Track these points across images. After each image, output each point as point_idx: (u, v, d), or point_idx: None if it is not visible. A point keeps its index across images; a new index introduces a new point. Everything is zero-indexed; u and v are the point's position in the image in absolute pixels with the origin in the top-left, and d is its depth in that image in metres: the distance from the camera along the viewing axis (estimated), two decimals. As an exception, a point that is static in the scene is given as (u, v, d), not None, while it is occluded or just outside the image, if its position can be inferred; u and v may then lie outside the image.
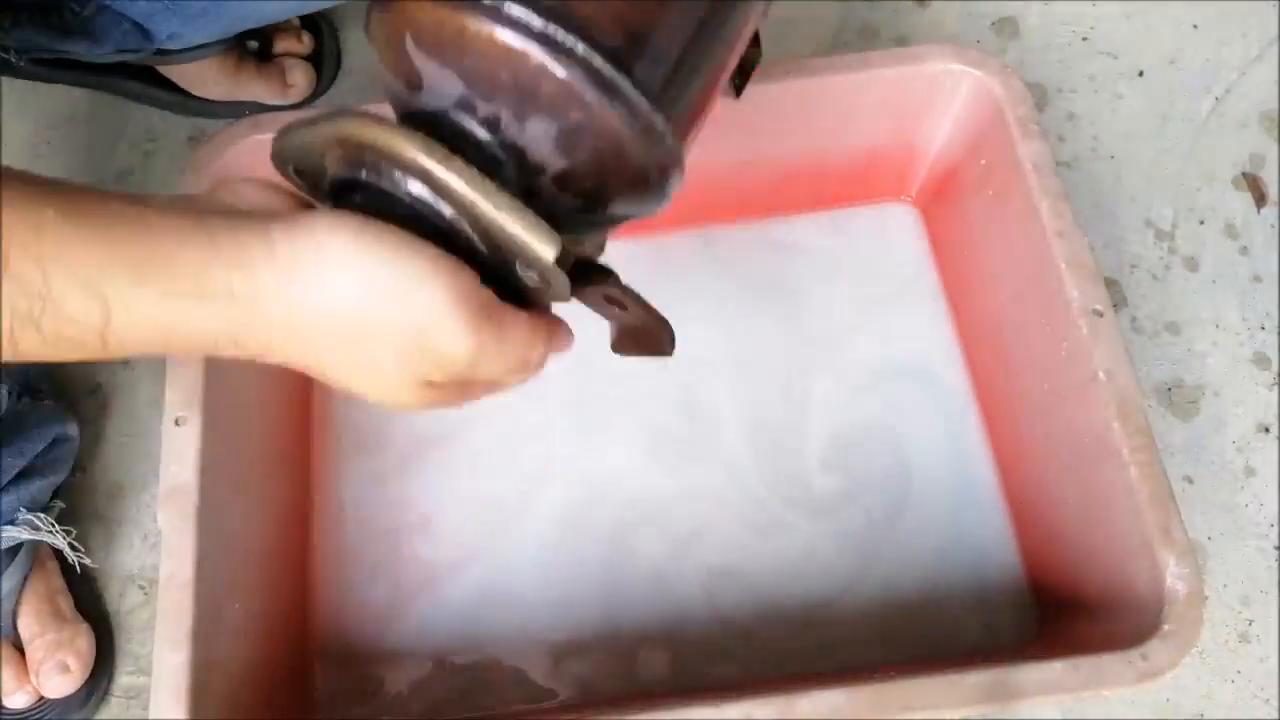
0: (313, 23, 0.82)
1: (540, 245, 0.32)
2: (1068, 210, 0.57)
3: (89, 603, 0.64)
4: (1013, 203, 0.60)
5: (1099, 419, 0.54)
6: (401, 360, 0.32)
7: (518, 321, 0.34)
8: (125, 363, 0.72)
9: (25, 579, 0.61)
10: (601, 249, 0.39)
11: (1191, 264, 0.76)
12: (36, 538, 0.61)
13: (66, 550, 0.62)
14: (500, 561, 0.63)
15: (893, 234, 0.73)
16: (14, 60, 0.68)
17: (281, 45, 0.80)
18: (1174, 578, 0.49)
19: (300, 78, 0.79)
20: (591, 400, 0.68)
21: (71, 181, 0.30)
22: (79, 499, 0.68)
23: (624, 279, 0.39)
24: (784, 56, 0.76)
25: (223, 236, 0.29)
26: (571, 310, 0.39)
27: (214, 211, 0.31)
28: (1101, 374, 0.53)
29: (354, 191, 0.34)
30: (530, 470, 0.66)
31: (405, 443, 0.67)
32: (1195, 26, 0.84)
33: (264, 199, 0.33)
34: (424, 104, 0.34)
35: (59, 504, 0.64)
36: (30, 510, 0.61)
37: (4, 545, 0.59)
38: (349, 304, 0.30)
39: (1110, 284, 0.74)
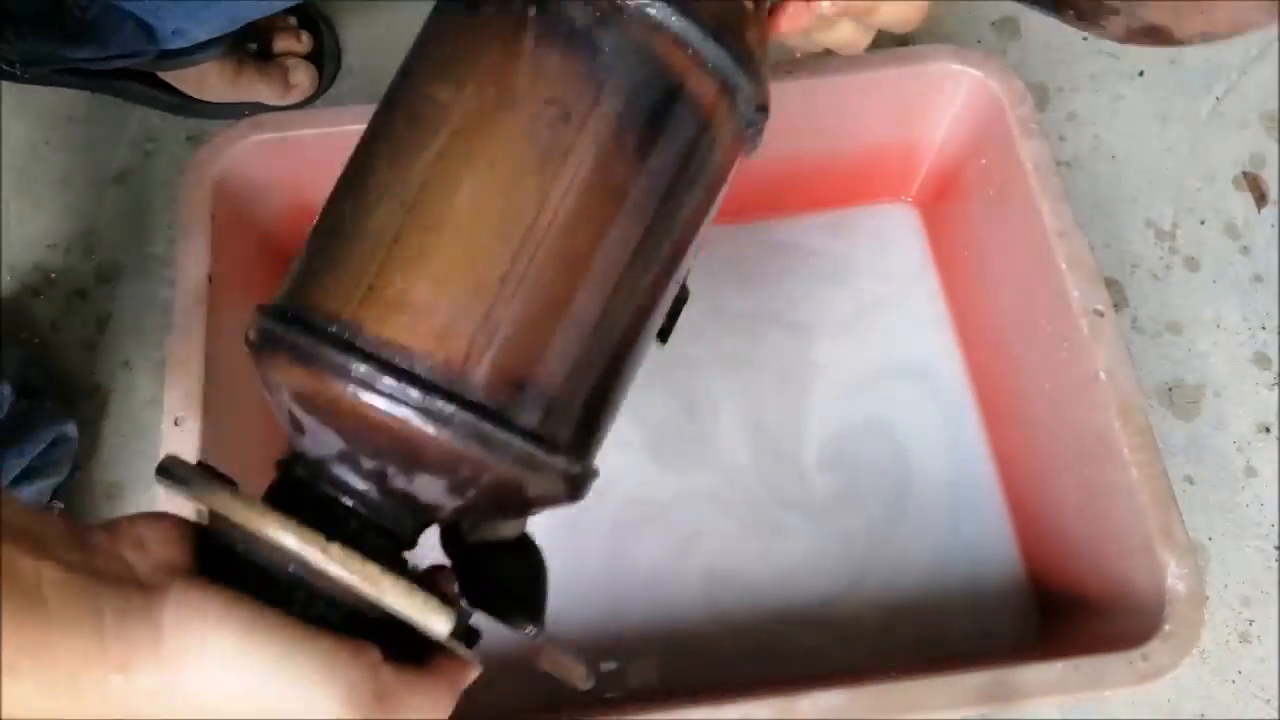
0: (312, 22, 0.82)
1: (433, 623, 0.31)
2: (1068, 210, 0.57)
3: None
4: (1013, 203, 0.60)
5: (1099, 419, 0.54)
6: None
7: (417, 693, 0.33)
8: (125, 362, 0.72)
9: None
10: (521, 527, 0.39)
11: (1192, 264, 0.76)
12: None
13: (66, 550, 0.62)
14: (500, 562, 0.63)
15: (893, 234, 0.73)
16: (18, 73, 0.67)
17: (281, 45, 0.80)
18: (1174, 578, 0.49)
19: (302, 77, 0.79)
20: (591, 400, 0.68)
21: None
22: (79, 499, 0.68)
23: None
24: (784, 56, 0.76)
25: (110, 631, 0.28)
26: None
27: (110, 582, 0.29)
28: (1102, 374, 0.53)
29: (240, 559, 0.32)
30: (530, 470, 0.66)
31: (405, 443, 0.67)
32: (1196, 26, 0.84)
33: (165, 553, 0.31)
34: (307, 448, 0.33)
35: (58, 504, 0.64)
36: (29, 511, 0.61)
37: (3, 546, 0.59)
38: (228, 703, 0.29)
39: (1111, 284, 0.74)
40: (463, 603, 0.33)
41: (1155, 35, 0.39)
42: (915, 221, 0.73)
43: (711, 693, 0.52)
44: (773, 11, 0.39)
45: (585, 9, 0.32)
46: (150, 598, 0.29)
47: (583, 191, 0.32)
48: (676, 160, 0.34)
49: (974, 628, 0.62)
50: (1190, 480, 0.69)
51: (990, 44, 0.83)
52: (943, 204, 0.71)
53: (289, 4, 0.71)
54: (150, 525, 0.32)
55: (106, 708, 0.28)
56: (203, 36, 0.69)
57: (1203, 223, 0.77)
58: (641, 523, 0.64)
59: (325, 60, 0.81)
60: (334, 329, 0.31)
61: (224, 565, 0.31)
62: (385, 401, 0.30)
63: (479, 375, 0.31)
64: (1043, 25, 0.84)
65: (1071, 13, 0.39)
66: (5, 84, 0.76)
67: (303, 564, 0.31)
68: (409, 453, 0.32)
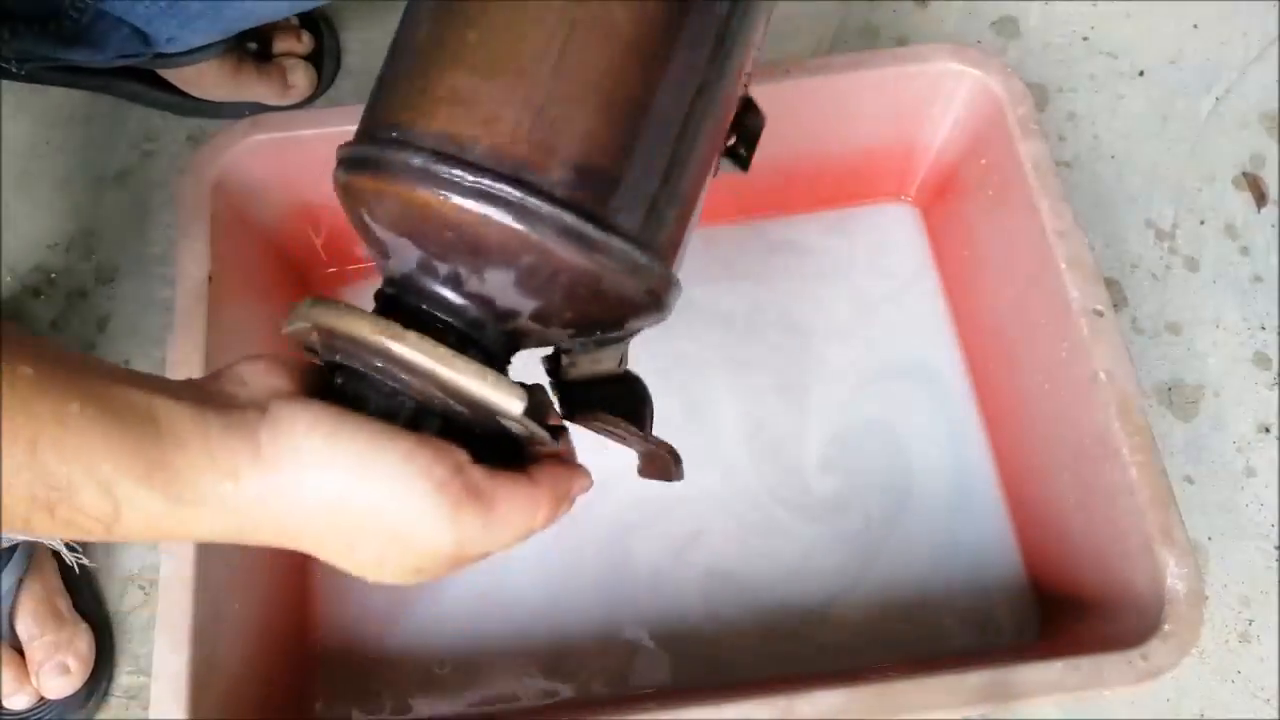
0: (312, 22, 0.82)
1: (506, 402, 0.32)
2: (1068, 210, 0.57)
3: (88, 603, 0.64)
4: (1013, 202, 0.60)
5: (1099, 419, 0.54)
6: (386, 555, 0.33)
7: (512, 494, 0.34)
8: (125, 362, 0.72)
9: (21, 580, 0.61)
10: (621, 360, 0.39)
11: (1192, 264, 0.76)
12: (33, 538, 0.60)
13: (64, 550, 0.62)
14: (499, 562, 0.63)
15: (893, 234, 0.73)
16: (14, 69, 0.67)
17: (281, 45, 0.80)
18: (1174, 578, 0.49)
19: (301, 78, 0.79)
20: (591, 400, 0.68)
21: (89, 359, 0.32)
22: (79, 499, 0.67)
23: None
24: (784, 56, 0.76)
25: (216, 443, 0.31)
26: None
27: (216, 405, 0.32)
28: (1102, 374, 0.53)
29: (340, 373, 0.35)
30: (530, 470, 0.66)
31: (405, 443, 0.67)
32: (1195, 26, 0.84)
33: (266, 381, 0.34)
34: (394, 270, 0.35)
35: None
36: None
37: (0, 545, 0.59)
38: (328, 505, 0.32)
39: (1110, 284, 0.74)
40: (540, 390, 0.34)
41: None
42: (915, 221, 0.73)
43: (711, 693, 0.52)
44: None
45: None
46: (248, 415, 0.32)
47: None
48: None
49: (974, 628, 0.62)
50: (1190, 480, 0.69)
51: (990, 44, 0.83)
52: (943, 204, 0.71)
53: (285, 14, 0.71)
54: (249, 364, 0.34)
55: (226, 515, 0.31)
56: (198, 43, 0.70)
57: (1203, 223, 0.77)
58: (641, 523, 0.64)
59: (325, 60, 0.81)
60: (394, 134, 0.33)
61: (328, 386, 0.34)
62: (437, 188, 0.32)
63: (522, 153, 0.32)
64: (1043, 25, 0.84)
65: None
66: (5, 85, 0.76)
67: (388, 357, 0.32)
68: (469, 242, 0.32)
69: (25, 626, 0.61)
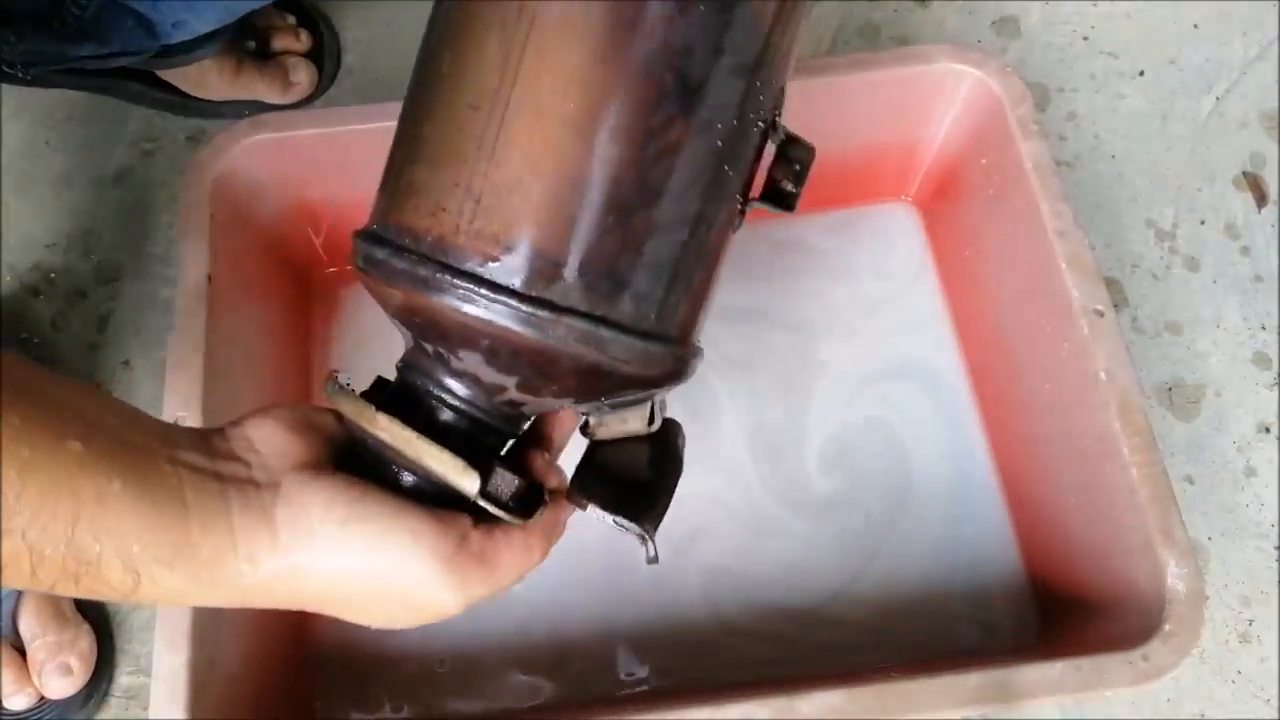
0: (310, 21, 0.82)
1: (461, 481, 0.34)
2: (1068, 210, 0.57)
3: (89, 603, 0.64)
4: (1013, 202, 0.60)
5: (1099, 419, 0.54)
6: (397, 615, 0.36)
7: (510, 545, 0.36)
8: (125, 362, 0.72)
9: None
10: (651, 419, 0.40)
11: (1192, 264, 0.76)
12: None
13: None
14: (500, 561, 0.63)
15: (893, 234, 0.73)
16: (20, 74, 0.67)
17: (280, 43, 0.80)
18: (1174, 578, 0.49)
19: (302, 75, 0.79)
20: (591, 400, 0.68)
21: (123, 412, 0.33)
22: (79, 499, 0.67)
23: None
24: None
25: (237, 525, 0.33)
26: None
27: (236, 483, 0.33)
28: (1102, 374, 0.53)
29: (360, 445, 0.37)
30: (530, 470, 0.66)
31: (405, 443, 0.67)
32: (1195, 26, 0.84)
33: (277, 448, 0.35)
34: (405, 347, 0.37)
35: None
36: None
37: (3, 545, 0.59)
38: (341, 582, 0.34)
39: (1111, 284, 0.74)
40: (501, 467, 0.35)
41: None
42: (915, 221, 0.73)
43: (711, 693, 0.52)
44: None
45: None
46: (263, 496, 0.33)
47: (538, 41, 0.31)
48: None
49: (974, 628, 0.62)
50: (1190, 480, 0.69)
51: (991, 44, 0.83)
52: (943, 204, 0.71)
53: None
54: (257, 425, 0.36)
55: (242, 593, 0.33)
56: (202, 29, 0.69)
57: (1203, 223, 0.77)
58: (641, 522, 0.64)
59: (325, 59, 0.81)
60: (374, 226, 0.35)
61: (352, 449, 0.37)
62: (397, 280, 0.33)
63: (462, 242, 0.32)
64: (1043, 25, 0.84)
65: None
66: (5, 85, 0.76)
67: (366, 435, 0.35)
68: (435, 328, 0.34)
69: (28, 626, 0.61)
